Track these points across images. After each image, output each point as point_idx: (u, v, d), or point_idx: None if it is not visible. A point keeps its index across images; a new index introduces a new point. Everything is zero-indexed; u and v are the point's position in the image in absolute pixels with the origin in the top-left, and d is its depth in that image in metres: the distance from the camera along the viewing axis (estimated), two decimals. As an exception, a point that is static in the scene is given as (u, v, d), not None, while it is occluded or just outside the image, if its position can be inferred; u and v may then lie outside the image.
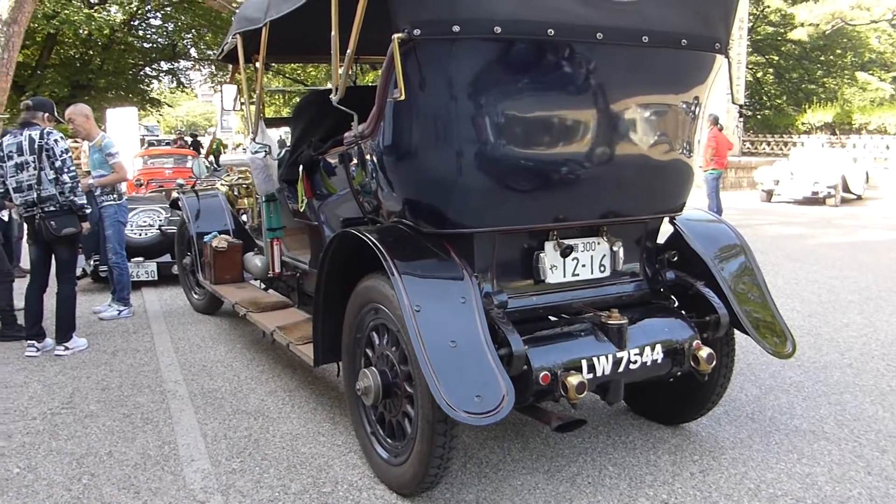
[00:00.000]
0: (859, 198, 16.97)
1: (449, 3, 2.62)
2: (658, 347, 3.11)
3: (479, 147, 2.79)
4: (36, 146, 5.03)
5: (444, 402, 2.51)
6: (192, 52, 29.37)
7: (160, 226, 7.46)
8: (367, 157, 3.22)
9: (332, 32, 3.06)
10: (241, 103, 4.95)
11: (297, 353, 3.79)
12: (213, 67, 34.22)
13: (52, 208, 5.07)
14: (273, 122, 5.69)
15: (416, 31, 2.62)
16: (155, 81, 30.18)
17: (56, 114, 5.43)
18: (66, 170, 5.07)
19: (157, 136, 34.90)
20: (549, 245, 3.14)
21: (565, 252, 3.13)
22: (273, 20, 3.83)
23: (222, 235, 5.57)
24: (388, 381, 3.05)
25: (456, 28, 2.60)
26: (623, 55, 2.91)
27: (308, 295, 4.82)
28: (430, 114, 2.79)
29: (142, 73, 27.96)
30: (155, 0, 21.96)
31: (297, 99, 38.16)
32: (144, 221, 7.48)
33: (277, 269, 4.94)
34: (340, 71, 3.14)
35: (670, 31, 2.97)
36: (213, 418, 3.98)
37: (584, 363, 2.92)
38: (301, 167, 3.99)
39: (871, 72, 29.08)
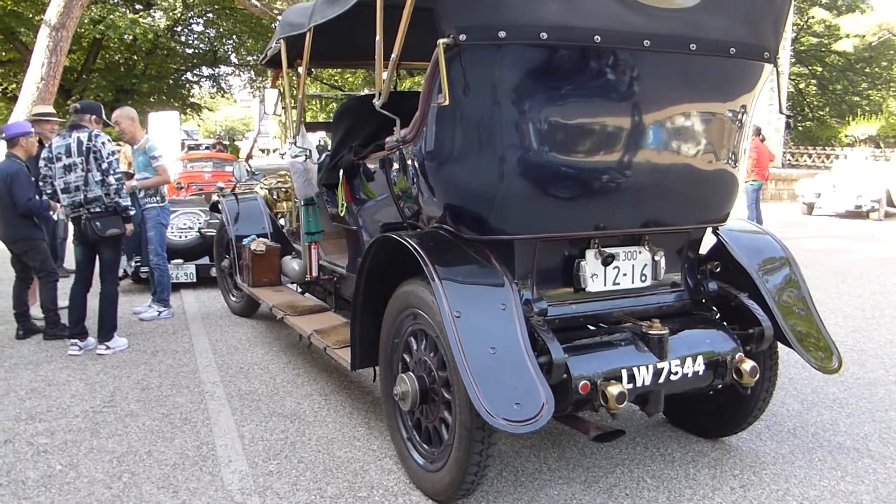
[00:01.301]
0: (904, 212, 16.60)
1: (495, 9, 2.62)
2: (700, 359, 3.06)
3: (522, 153, 2.78)
4: (84, 148, 5.14)
5: (483, 408, 2.49)
6: (233, 57, 29.82)
7: (199, 228, 7.57)
8: (409, 161, 3.23)
9: (377, 37, 3.08)
10: (283, 108, 5.00)
11: (334, 356, 3.80)
12: (253, 73, 34.65)
13: (97, 209, 5.18)
14: (313, 127, 5.75)
15: (462, 37, 2.62)
16: (196, 86, 30.67)
17: (103, 117, 5.54)
18: (111, 172, 5.17)
19: (197, 140, 35.46)
20: (590, 253, 3.12)
21: (607, 260, 3.10)
22: (317, 25, 3.87)
23: (260, 239, 5.62)
24: (425, 387, 3.04)
25: (502, 34, 2.60)
26: (670, 63, 2.88)
27: (345, 299, 4.85)
28: (473, 119, 2.79)
29: (183, 77, 28.45)
30: (198, 6, 22.28)
31: (334, 105, 38.43)
32: (184, 224, 7.59)
33: (315, 273, 4.98)
34: (384, 76, 3.16)
35: (719, 39, 2.93)
36: (251, 420, 4.01)
37: (625, 373, 2.88)
38: (341, 171, 4.02)
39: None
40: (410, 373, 3.11)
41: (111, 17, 18.42)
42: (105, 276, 5.36)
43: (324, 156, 4.30)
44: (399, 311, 3.22)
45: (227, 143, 27.86)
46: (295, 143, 4.41)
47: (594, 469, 3.40)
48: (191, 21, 26.32)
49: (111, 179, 5.17)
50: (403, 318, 3.21)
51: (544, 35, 2.61)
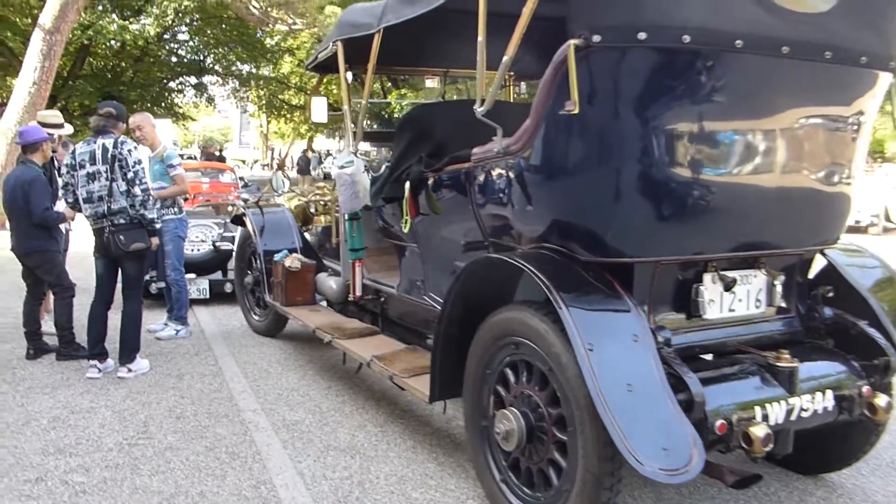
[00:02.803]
0: (903, 228, 16.61)
1: (636, 8, 2.34)
2: (829, 393, 2.79)
3: (652, 168, 2.50)
4: (109, 156, 4.77)
5: (631, 454, 2.20)
6: (217, 67, 29.43)
7: (213, 242, 7.18)
8: (507, 174, 2.94)
9: (479, 38, 2.79)
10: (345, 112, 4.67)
11: (405, 386, 3.47)
12: (237, 83, 34.25)
13: (121, 221, 4.80)
14: (372, 137, 5.44)
15: (596, 38, 2.34)
16: (180, 95, 30.17)
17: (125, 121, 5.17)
18: (138, 181, 4.80)
19: (179, 149, 34.90)
20: (707, 277, 2.84)
21: (729, 285, 2.82)
22: (389, 26, 3.57)
23: (294, 255, 5.28)
24: (531, 425, 2.74)
25: (642, 35, 2.32)
26: (804, 72, 2.63)
27: (393, 321, 4.54)
28: (598, 130, 2.51)
29: (168, 85, 27.95)
30: (190, 13, 21.86)
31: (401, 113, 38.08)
32: (196, 237, 7.20)
33: (359, 293, 4.65)
34: (485, 80, 2.86)
35: (852, 47, 2.68)
36: (306, 455, 3.66)
37: (758, 410, 2.60)
38: (407, 185, 3.71)
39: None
40: (513, 409, 2.80)
41: (100, 22, 17.93)
42: (128, 293, 4.98)
43: (383, 167, 3.99)
44: (495, 340, 2.92)
45: (218, 152, 27.38)
46: (356, 154, 4.10)
47: (701, 512, 3.11)
48: (176, 30, 25.87)
49: (137, 190, 4.80)
50: (500, 347, 2.90)
51: (687, 38, 2.34)
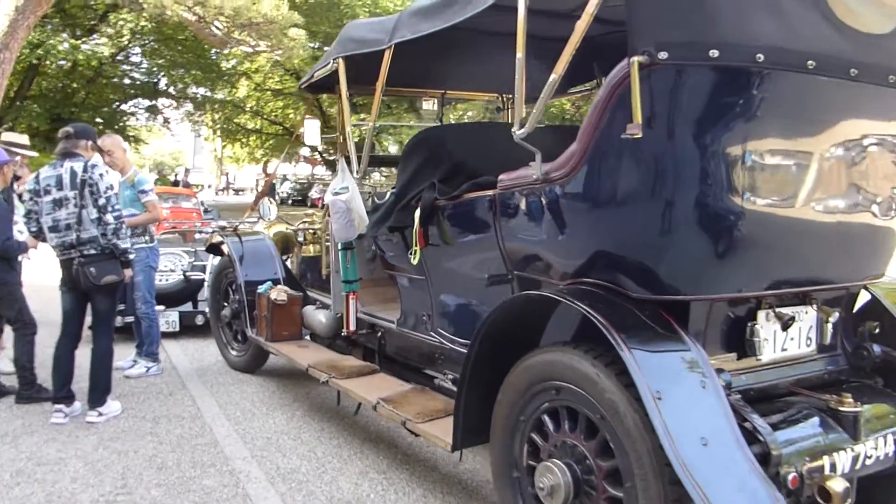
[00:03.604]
0: None
1: (709, 24, 2.15)
2: (889, 437, 2.60)
3: (720, 198, 2.30)
4: (78, 180, 4.39)
5: None
6: (171, 90, 28.83)
7: (184, 271, 6.78)
8: (542, 201, 2.70)
9: (518, 55, 2.56)
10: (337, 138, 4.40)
11: (422, 433, 3.18)
12: (192, 106, 33.55)
13: (92, 252, 4.42)
14: (377, 161, 5.15)
15: (662, 55, 2.13)
16: (133, 118, 29.38)
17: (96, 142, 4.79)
18: (110, 208, 4.43)
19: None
20: (761, 315, 2.63)
21: (787, 323, 2.63)
22: (401, 42, 3.33)
23: (280, 286, 4.95)
24: (578, 479, 2.47)
25: (714, 53, 2.12)
26: (867, 96, 2.48)
27: (392, 358, 4.24)
28: (660, 155, 2.29)
29: (120, 108, 27.18)
30: (147, 34, 21.28)
31: (274, 140, 37.14)
32: (165, 266, 6.79)
33: (353, 328, 4.34)
34: (523, 100, 2.63)
35: None
36: (308, 509, 3.33)
37: (826, 461, 2.38)
38: (417, 213, 3.44)
39: None
40: (557, 461, 2.53)
41: (50, 41, 17.27)
42: (99, 330, 4.58)
43: (388, 194, 3.71)
44: (531, 384, 2.65)
45: (178, 179, 26.79)
46: (361, 179, 3.82)
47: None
48: (130, 51, 25.19)
49: (109, 217, 4.42)
50: (537, 392, 2.64)
51: (760, 57, 2.15)
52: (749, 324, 2.61)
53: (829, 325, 2.81)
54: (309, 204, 30.01)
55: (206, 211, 15.11)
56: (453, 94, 4.82)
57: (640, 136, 2.14)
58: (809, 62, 2.23)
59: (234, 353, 5.70)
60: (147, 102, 28.00)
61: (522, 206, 2.83)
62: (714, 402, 2.19)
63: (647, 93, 2.19)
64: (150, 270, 5.56)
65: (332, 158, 37.27)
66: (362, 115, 5.76)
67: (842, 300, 2.96)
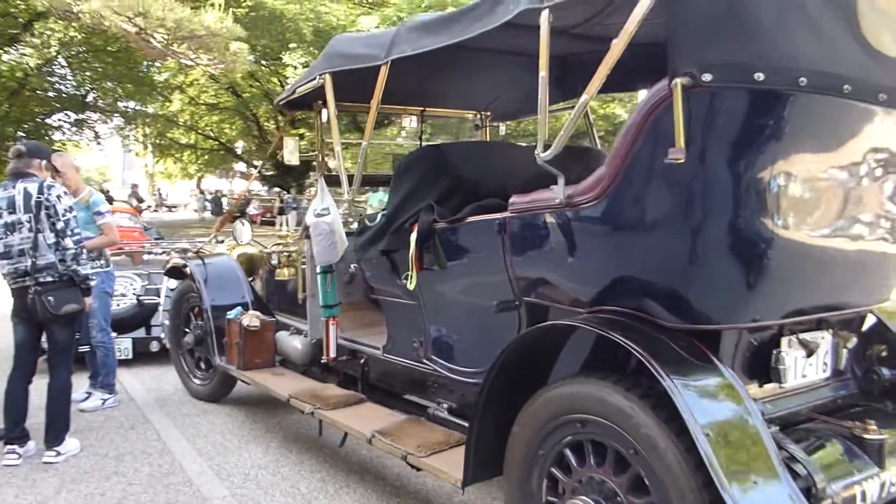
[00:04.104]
0: None
1: (756, 45, 2.09)
2: None
3: (757, 223, 2.24)
4: (33, 202, 4.09)
5: None
6: (101, 103, 27.88)
7: (137, 295, 6.43)
8: (561, 225, 2.60)
9: (542, 73, 2.45)
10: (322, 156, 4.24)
11: (427, 468, 3.02)
12: (123, 120, 32.51)
13: (48, 279, 4.11)
14: (371, 181, 4.96)
15: (706, 76, 2.06)
16: (58, 132, 28.20)
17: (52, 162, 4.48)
18: (69, 232, 4.14)
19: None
20: (784, 341, 2.59)
21: (812, 350, 2.59)
22: (397, 59, 3.19)
23: (252, 312, 4.71)
24: (607, 518, 2.37)
25: (760, 76, 2.06)
26: (891, 121, 2.46)
27: (375, 386, 4.07)
28: (698, 180, 2.21)
29: (45, 121, 26.05)
30: (76, 45, 20.46)
31: (208, 155, 36.12)
32: (116, 290, 6.41)
33: (333, 354, 4.16)
34: (546, 121, 2.53)
35: None
36: (303, 553, 3.13)
37: (857, 490, 2.34)
38: (413, 236, 3.30)
39: None
40: (584, 497, 2.42)
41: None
42: (57, 363, 4.27)
43: (379, 216, 3.55)
44: (552, 417, 2.54)
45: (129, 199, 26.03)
46: (353, 201, 3.66)
47: None
48: (54, 63, 24.16)
49: (69, 242, 4.13)
50: (559, 425, 2.53)
51: (803, 81, 2.11)
52: (774, 351, 2.56)
53: (845, 351, 2.80)
54: (249, 220, 29.34)
55: (145, 229, 14.54)
56: (432, 111, 4.71)
57: (682, 160, 2.06)
58: (846, 86, 2.21)
59: (197, 381, 5.41)
60: (75, 116, 26.95)
61: (538, 229, 2.72)
62: (761, 437, 2.12)
63: (688, 114, 2.12)
64: (105, 296, 5.24)
65: (269, 174, 36.78)
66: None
67: (853, 324, 2.95)
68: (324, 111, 4.19)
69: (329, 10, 19.67)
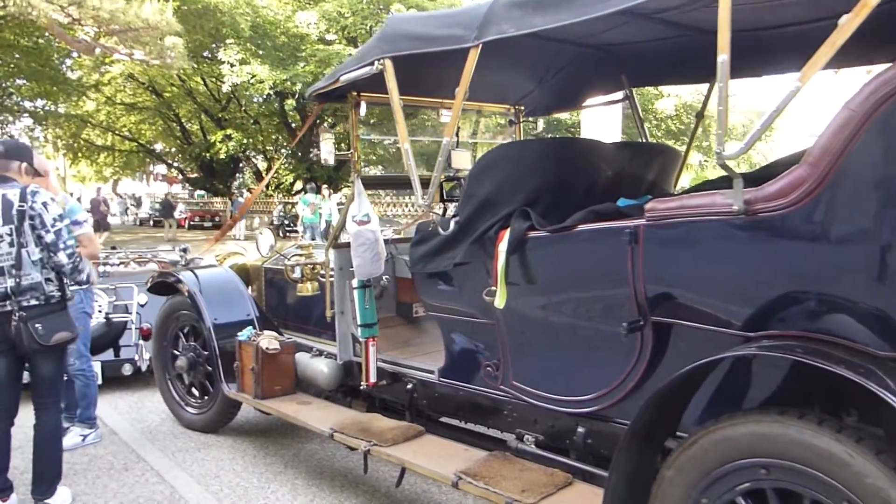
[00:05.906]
0: None
1: None
2: None
3: None
4: (14, 212, 3.45)
5: None
6: (6, 102, 26.19)
7: (106, 313, 5.72)
8: (734, 235, 2.22)
9: (722, 56, 2.06)
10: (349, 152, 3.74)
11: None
12: (32, 121, 30.83)
13: (34, 303, 3.47)
14: (374, 182, 4.43)
15: None
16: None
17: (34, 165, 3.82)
18: (61, 245, 3.50)
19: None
20: None
21: None
22: (490, 41, 2.75)
23: (268, 332, 4.16)
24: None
25: None
26: None
27: (425, 415, 3.63)
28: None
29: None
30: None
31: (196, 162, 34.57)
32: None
33: (373, 379, 3.68)
34: (727, 114, 2.14)
35: None
36: None
37: None
38: (502, 245, 2.87)
39: None
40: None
41: None
42: (44, 402, 3.61)
43: (452, 223, 3.09)
44: (726, 460, 2.16)
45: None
46: (445, 205, 3.21)
47: None
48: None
49: (62, 257, 3.49)
50: (732, 470, 2.15)
51: None
52: None
53: None
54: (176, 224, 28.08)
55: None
56: (468, 105, 4.26)
57: None
58: None
59: (191, 410, 4.78)
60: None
61: (692, 239, 2.34)
62: None
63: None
64: (85, 317, 4.59)
65: (193, 176, 35.24)
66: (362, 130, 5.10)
67: None
68: (362, 104, 3.70)
69: (266, 5, 18.87)
